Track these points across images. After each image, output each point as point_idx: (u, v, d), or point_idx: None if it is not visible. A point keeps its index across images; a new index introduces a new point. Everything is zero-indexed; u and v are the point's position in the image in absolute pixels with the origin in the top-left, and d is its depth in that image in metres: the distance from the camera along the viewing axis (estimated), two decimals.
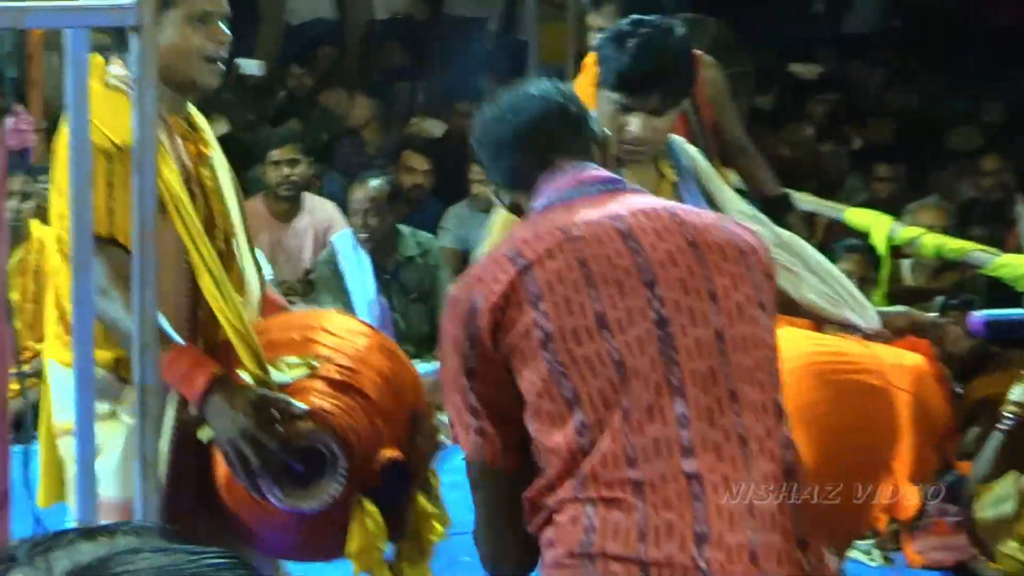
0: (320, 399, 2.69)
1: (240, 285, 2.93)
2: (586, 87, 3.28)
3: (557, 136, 2.40)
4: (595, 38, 4.13)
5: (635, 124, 2.98)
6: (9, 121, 2.60)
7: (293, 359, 2.74)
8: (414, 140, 8.13)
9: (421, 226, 6.24)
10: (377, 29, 10.11)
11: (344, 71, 9.52)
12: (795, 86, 9.36)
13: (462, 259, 6.66)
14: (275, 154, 6.21)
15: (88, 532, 0.99)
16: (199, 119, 3.05)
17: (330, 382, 2.72)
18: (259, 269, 3.13)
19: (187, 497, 2.82)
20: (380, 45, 9.82)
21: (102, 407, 2.75)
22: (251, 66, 9.40)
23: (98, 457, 2.66)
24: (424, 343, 6.01)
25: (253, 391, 2.66)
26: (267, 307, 3.11)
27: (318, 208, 6.36)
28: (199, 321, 2.85)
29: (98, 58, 2.87)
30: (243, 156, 7.18)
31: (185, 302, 2.84)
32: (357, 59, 9.89)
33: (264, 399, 2.64)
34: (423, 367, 5.89)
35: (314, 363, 2.71)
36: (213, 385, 2.63)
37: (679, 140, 3.28)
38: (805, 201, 5.64)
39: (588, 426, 2.17)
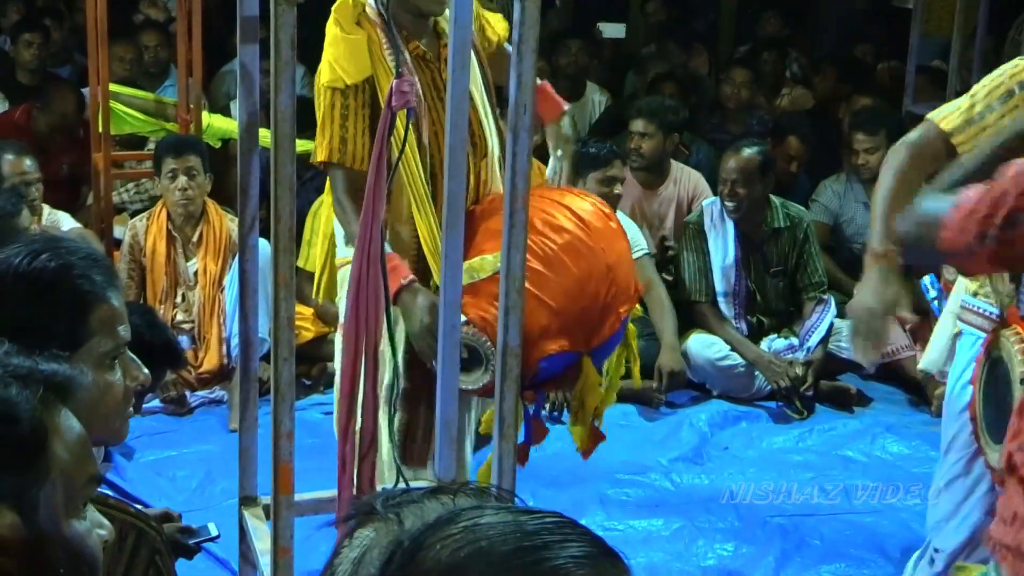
0: (486, 308, 3.10)
1: (488, 172, 3.51)
2: None
3: None
4: None
5: None
6: (393, 82, 2.70)
7: (488, 257, 3.18)
8: (784, 111, 7.96)
9: (789, 198, 6.07)
10: None
11: (717, 39, 9.43)
12: None
13: (832, 234, 6.46)
14: (637, 124, 6.20)
15: (433, 492, 1.08)
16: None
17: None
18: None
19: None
20: (755, 13, 9.67)
21: None
22: (609, 29, 9.38)
23: None
24: (780, 317, 5.88)
25: (430, 297, 3.18)
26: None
27: (684, 178, 6.31)
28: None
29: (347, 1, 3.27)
30: (614, 124, 7.22)
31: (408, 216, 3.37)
32: (731, 27, 9.78)
33: (435, 305, 3.05)
34: (779, 343, 5.76)
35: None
36: (402, 289, 3.16)
37: None
38: None
39: None
